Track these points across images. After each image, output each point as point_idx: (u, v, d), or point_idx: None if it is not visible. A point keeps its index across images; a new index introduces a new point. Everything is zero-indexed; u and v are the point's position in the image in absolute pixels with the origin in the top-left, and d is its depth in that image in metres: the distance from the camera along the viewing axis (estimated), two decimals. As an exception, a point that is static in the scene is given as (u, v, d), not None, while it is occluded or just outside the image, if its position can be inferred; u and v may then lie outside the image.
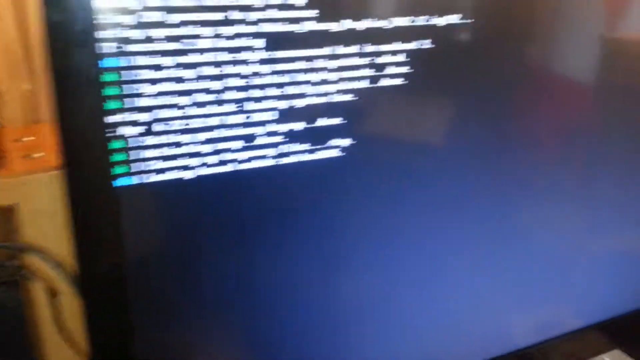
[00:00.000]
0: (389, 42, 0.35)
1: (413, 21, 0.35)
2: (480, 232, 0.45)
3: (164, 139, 0.32)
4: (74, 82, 0.29)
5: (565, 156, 0.46)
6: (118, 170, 0.31)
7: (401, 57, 0.36)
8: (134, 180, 0.32)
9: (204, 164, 0.33)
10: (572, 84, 0.43)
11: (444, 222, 0.43)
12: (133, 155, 0.31)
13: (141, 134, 0.31)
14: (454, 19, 0.36)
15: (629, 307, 0.57)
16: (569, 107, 0.44)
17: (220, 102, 0.32)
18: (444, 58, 0.37)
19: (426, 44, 0.36)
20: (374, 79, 0.36)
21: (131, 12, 0.28)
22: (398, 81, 0.36)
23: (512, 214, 0.46)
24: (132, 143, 0.31)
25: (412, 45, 0.36)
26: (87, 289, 0.34)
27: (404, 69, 0.36)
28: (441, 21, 0.36)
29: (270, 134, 0.34)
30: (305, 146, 0.36)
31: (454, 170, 0.41)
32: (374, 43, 0.35)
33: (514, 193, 0.45)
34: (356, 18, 0.34)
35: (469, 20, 0.37)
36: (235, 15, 0.31)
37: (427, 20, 0.36)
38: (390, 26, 0.35)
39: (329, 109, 0.35)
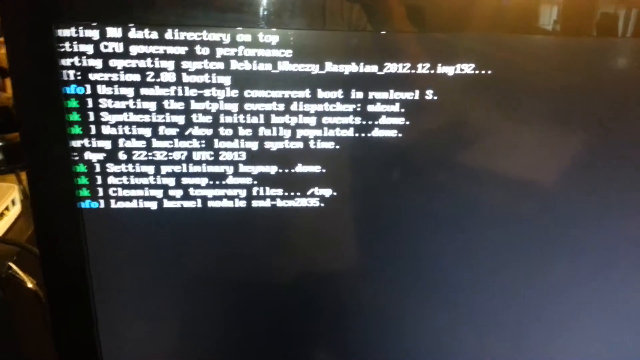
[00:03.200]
0: (379, 89, 0.31)
1: (411, 68, 0.31)
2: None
3: (126, 167, 0.32)
4: (39, 106, 0.30)
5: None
6: (82, 193, 0.32)
7: (395, 108, 0.32)
8: (99, 204, 0.32)
9: (168, 197, 0.33)
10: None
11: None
12: (96, 180, 0.32)
13: (102, 161, 0.31)
14: (465, 68, 0.32)
15: None
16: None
17: (185, 137, 0.31)
18: (449, 112, 0.33)
19: (427, 94, 0.32)
20: (360, 128, 0.32)
21: (91, 41, 0.29)
22: (390, 133, 0.32)
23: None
24: (94, 168, 0.31)
25: (409, 95, 0.32)
26: (53, 304, 0.35)
27: (398, 120, 0.32)
28: (448, 70, 0.31)
29: (240, 174, 0.32)
30: (279, 192, 0.33)
31: (451, 238, 0.36)
32: (361, 89, 0.31)
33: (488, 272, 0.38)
34: (337, 61, 0.30)
35: (482, 72, 0.32)
36: (200, 50, 0.29)
37: (430, 69, 0.31)
38: (382, 73, 0.31)
39: (307, 156, 0.32)
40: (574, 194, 0.35)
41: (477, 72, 0.32)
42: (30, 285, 0.37)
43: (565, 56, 0.32)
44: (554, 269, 0.37)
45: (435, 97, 0.32)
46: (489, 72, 0.32)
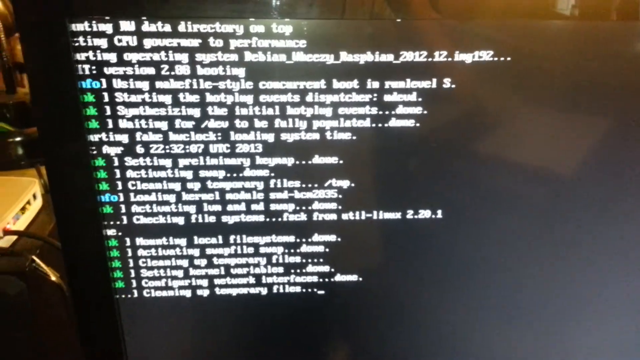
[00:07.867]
0: (396, 78, 0.31)
1: (428, 57, 0.30)
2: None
3: (144, 161, 0.32)
4: (55, 102, 0.30)
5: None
6: (101, 186, 0.32)
7: (412, 97, 0.31)
8: (118, 197, 0.33)
9: (187, 189, 0.33)
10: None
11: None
12: (115, 173, 0.32)
13: (121, 155, 0.31)
14: (483, 55, 0.31)
15: None
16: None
17: (201, 130, 0.31)
18: (467, 101, 0.32)
19: (445, 83, 0.31)
20: (377, 119, 0.32)
21: (105, 35, 0.29)
22: (407, 123, 0.32)
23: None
24: (113, 162, 0.32)
25: (426, 84, 0.31)
26: (75, 297, 0.35)
27: (415, 110, 0.32)
28: (466, 58, 0.31)
29: (257, 166, 0.32)
30: (296, 184, 0.33)
31: (471, 229, 0.35)
32: (377, 79, 0.31)
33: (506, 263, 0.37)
34: (353, 51, 0.30)
35: (501, 59, 0.31)
36: (213, 42, 0.29)
37: (448, 57, 0.31)
38: (398, 61, 0.30)
39: (324, 147, 0.32)
40: (596, 184, 0.34)
41: (495, 59, 0.31)
42: (53, 278, 0.38)
43: (586, 42, 0.31)
44: (571, 264, 0.37)
45: (453, 86, 0.31)
46: (508, 59, 0.31)
